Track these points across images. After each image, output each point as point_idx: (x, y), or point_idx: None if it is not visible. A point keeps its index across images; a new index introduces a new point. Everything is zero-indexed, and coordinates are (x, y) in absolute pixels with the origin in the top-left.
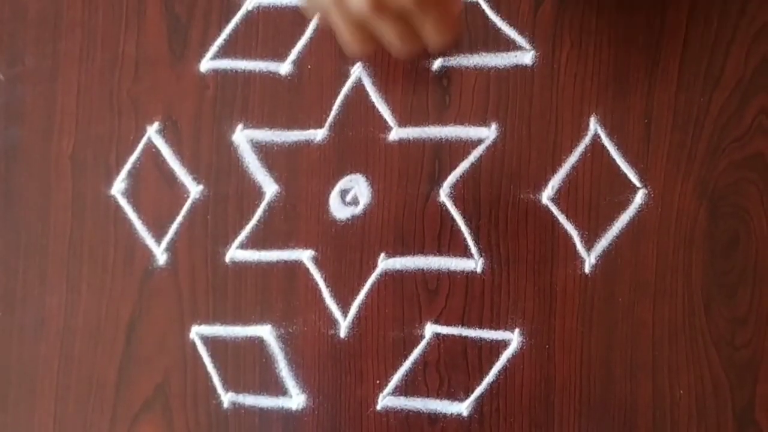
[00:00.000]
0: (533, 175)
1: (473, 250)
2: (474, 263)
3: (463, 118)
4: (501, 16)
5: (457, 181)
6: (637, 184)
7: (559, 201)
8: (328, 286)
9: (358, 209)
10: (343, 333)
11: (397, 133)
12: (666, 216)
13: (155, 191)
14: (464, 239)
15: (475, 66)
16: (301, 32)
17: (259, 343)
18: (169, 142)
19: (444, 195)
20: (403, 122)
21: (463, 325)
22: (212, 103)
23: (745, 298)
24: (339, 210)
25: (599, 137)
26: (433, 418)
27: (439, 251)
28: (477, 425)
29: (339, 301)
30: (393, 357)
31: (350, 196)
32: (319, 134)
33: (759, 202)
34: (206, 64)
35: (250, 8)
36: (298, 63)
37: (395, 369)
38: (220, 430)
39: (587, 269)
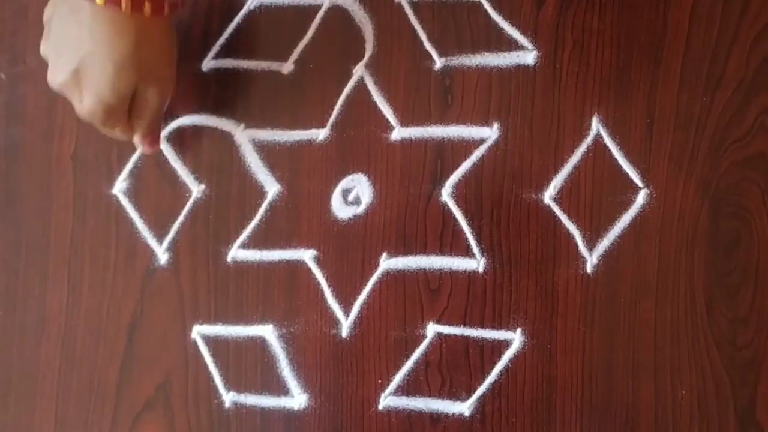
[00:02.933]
0: (535, 174)
1: (475, 249)
2: (476, 263)
3: (465, 117)
4: (503, 16)
5: (459, 180)
6: (639, 184)
7: (561, 201)
8: (329, 286)
9: (360, 209)
10: (344, 333)
11: (399, 133)
12: (668, 216)
13: (157, 191)
14: (466, 239)
15: (477, 66)
16: (304, 32)
17: (260, 343)
18: (171, 142)
19: (446, 195)
20: (405, 122)
21: (464, 325)
22: (214, 102)
23: (746, 298)
24: (341, 209)
25: (601, 137)
26: (435, 417)
27: (441, 251)
28: (479, 425)
29: (341, 300)
30: (395, 357)
31: (352, 196)
32: (321, 134)
33: (761, 202)
34: (208, 64)
35: (252, 7)
36: (300, 62)
37: (397, 369)
38: (222, 430)
39: (589, 269)
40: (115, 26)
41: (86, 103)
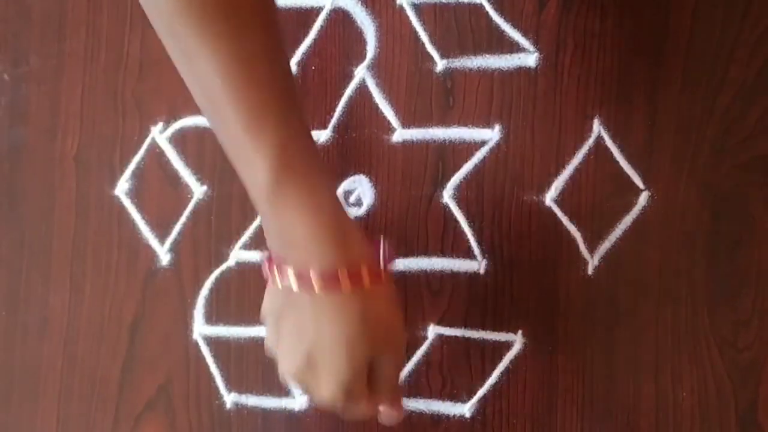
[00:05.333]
0: (536, 176)
1: (476, 251)
2: (477, 264)
3: (467, 119)
4: (505, 18)
5: (461, 182)
6: (641, 185)
7: (562, 203)
8: None
9: (361, 210)
10: None
11: (400, 135)
12: (669, 218)
13: (159, 192)
14: (467, 240)
15: (478, 68)
16: (305, 34)
17: (262, 344)
18: (173, 143)
19: (447, 196)
20: (406, 123)
21: (466, 327)
22: None
23: (748, 300)
24: None
25: (602, 139)
26: (436, 419)
27: (443, 252)
28: (480, 426)
29: None
30: None
31: (354, 197)
32: (322, 135)
33: (762, 205)
34: None
35: None
36: (302, 64)
37: None
38: (223, 431)
39: (590, 271)
40: (336, 308)
41: (325, 389)
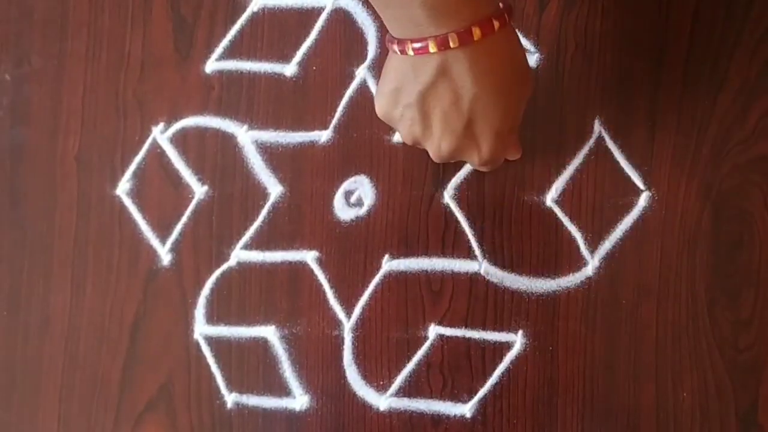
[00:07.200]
0: (537, 177)
1: (477, 251)
2: (478, 265)
3: None
4: None
5: (461, 182)
6: (641, 186)
7: (563, 203)
8: (332, 287)
9: (362, 210)
10: (346, 334)
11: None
12: (670, 218)
13: (160, 191)
14: (468, 241)
15: None
16: (306, 34)
17: (263, 344)
18: (174, 143)
19: (448, 196)
20: None
21: (466, 327)
22: (217, 103)
23: (748, 300)
24: (343, 211)
25: (603, 139)
26: (437, 419)
27: (443, 253)
28: (480, 427)
29: (343, 302)
30: (396, 358)
31: (354, 198)
32: (323, 135)
33: (763, 205)
34: (211, 65)
35: (255, 9)
36: (303, 64)
37: (399, 370)
38: (224, 431)
39: (591, 271)
40: (490, 55)
41: (485, 146)
